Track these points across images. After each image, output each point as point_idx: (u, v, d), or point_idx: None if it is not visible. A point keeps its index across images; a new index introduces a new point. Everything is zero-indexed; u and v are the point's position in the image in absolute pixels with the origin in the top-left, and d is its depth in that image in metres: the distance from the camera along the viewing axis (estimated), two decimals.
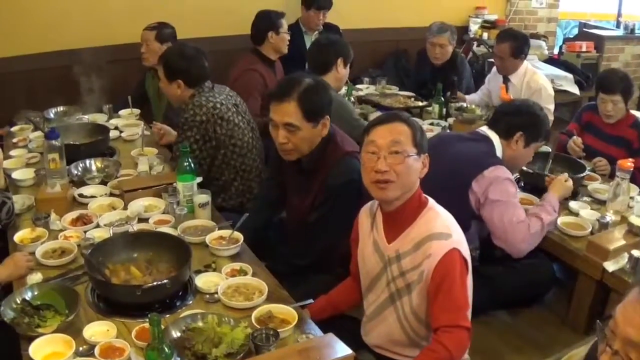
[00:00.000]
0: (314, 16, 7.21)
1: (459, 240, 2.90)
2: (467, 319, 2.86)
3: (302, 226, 3.92)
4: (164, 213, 3.91)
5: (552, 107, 6.18)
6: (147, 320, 2.59)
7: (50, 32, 6.50)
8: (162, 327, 2.42)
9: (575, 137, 5.23)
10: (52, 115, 5.52)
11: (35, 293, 3.00)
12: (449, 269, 2.81)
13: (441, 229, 2.89)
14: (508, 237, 3.90)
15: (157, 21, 6.03)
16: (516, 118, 4.09)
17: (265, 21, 6.28)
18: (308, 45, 6.96)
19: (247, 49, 6.44)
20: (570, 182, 4.26)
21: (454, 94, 6.35)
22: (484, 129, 4.21)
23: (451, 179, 3.38)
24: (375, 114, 5.83)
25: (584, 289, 4.00)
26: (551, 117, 6.05)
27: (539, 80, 6.23)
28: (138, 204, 3.94)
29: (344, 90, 5.97)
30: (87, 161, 4.55)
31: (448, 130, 5.62)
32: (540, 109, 4.22)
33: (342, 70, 5.16)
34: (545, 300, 4.38)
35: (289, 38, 6.40)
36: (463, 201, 3.85)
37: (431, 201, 3.03)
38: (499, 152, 4.07)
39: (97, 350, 2.67)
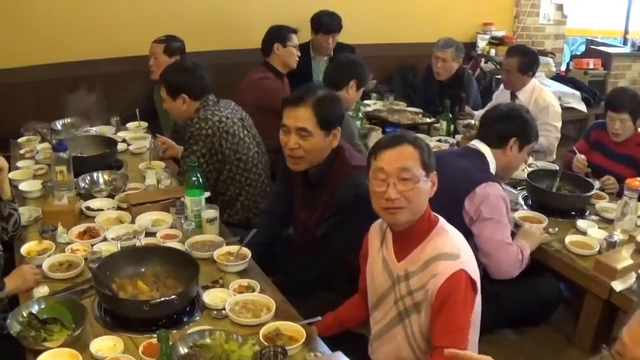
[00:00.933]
0: (322, 40, 7.14)
1: (467, 261, 2.87)
2: (465, 341, 2.82)
3: (309, 241, 3.91)
4: (171, 227, 3.91)
5: (559, 124, 6.18)
6: (154, 335, 2.60)
7: (58, 44, 6.50)
8: (170, 343, 2.42)
9: (578, 155, 5.21)
10: (59, 127, 5.51)
11: (42, 306, 2.99)
12: (454, 290, 2.78)
13: (450, 249, 2.86)
14: (498, 255, 3.91)
15: (166, 34, 6.03)
16: (507, 125, 4.10)
17: (273, 34, 6.29)
18: (314, 69, 7.02)
19: (252, 63, 6.45)
20: (542, 235, 4.23)
21: (462, 110, 6.35)
22: (475, 143, 4.20)
23: (446, 197, 3.35)
24: (376, 134, 5.80)
25: (591, 308, 3.99)
26: (557, 135, 6.09)
27: (546, 97, 6.22)
28: (145, 218, 3.94)
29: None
30: (95, 174, 4.54)
31: (456, 147, 5.61)
32: (527, 112, 4.24)
33: (352, 93, 5.16)
34: (552, 318, 4.37)
35: (299, 54, 6.39)
36: (457, 219, 3.80)
37: (441, 220, 3.01)
38: (492, 164, 4.08)
39: None
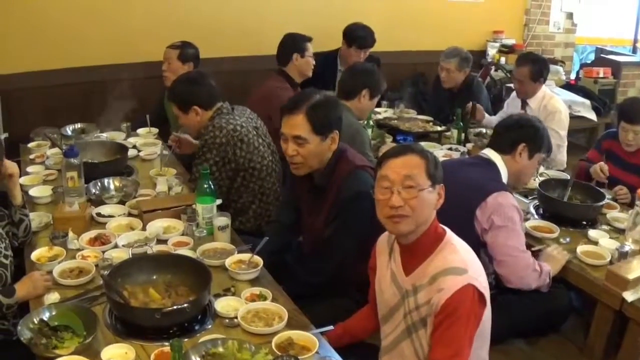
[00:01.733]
0: (354, 54, 7.09)
1: (474, 275, 2.83)
2: (463, 356, 2.80)
3: (318, 245, 3.93)
4: (182, 235, 3.90)
5: (562, 132, 6.17)
6: (166, 343, 2.59)
7: (69, 49, 6.53)
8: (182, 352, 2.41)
9: (602, 163, 5.15)
10: (69, 132, 5.52)
11: (53, 313, 2.98)
12: (459, 306, 2.75)
13: (457, 263, 2.84)
14: (514, 263, 3.88)
15: (181, 40, 6.02)
16: (517, 131, 4.09)
17: (291, 43, 6.26)
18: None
19: (263, 70, 6.45)
20: (564, 257, 4.18)
21: (473, 117, 6.34)
22: (486, 151, 4.19)
23: (456, 207, 3.33)
24: (388, 144, 5.80)
25: (602, 319, 3.96)
26: (559, 142, 6.03)
27: (555, 104, 6.22)
28: (157, 225, 3.93)
29: None
30: (106, 180, 4.55)
31: (466, 156, 5.59)
32: (539, 121, 4.24)
33: (365, 102, 5.14)
34: (563, 329, 4.34)
35: (314, 63, 6.36)
36: (469, 229, 3.82)
37: (449, 233, 2.99)
38: (503, 173, 4.06)
39: None
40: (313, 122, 3.65)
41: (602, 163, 5.16)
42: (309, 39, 6.34)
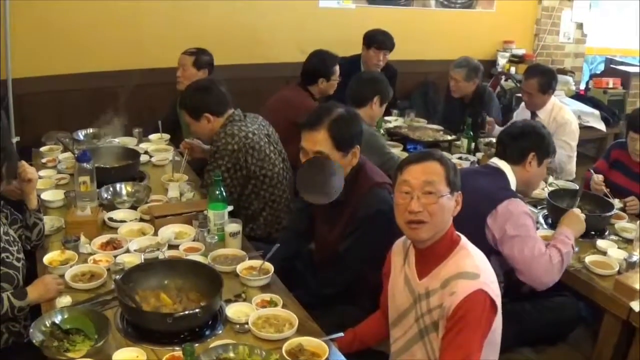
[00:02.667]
0: (373, 56, 7.19)
1: (487, 281, 2.85)
2: None
3: (331, 256, 3.92)
4: (194, 240, 3.91)
5: (573, 143, 6.18)
6: (177, 348, 2.61)
7: (81, 54, 6.57)
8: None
9: (594, 176, 5.13)
10: (81, 137, 5.54)
11: (65, 316, 3.00)
12: (470, 310, 2.77)
13: (470, 268, 2.86)
14: (532, 270, 3.85)
15: (191, 47, 6.04)
16: (525, 141, 4.09)
17: (320, 67, 6.14)
18: None
19: (275, 77, 6.46)
20: (582, 216, 4.22)
21: (483, 128, 6.35)
22: (495, 160, 4.19)
23: (467, 216, 3.34)
24: (398, 150, 5.83)
25: (609, 328, 3.95)
26: (570, 154, 6.06)
27: (565, 115, 6.21)
28: (168, 231, 3.95)
29: None
30: (118, 185, 4.56)
31: (476, 165, 5.60)
32: (542, 127, 4.26)
33: (376, 108, 5.22)
34: (571, 338, 4.35)
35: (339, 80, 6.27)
36: (480, 238, 3.78)
37: (463, 239, 3.02)
38: (512, 181, 4.06)
39: None
40: (335, 138, 3.65)
41: (595, 176, 5.12)
42: (337, 60, 6.25)
